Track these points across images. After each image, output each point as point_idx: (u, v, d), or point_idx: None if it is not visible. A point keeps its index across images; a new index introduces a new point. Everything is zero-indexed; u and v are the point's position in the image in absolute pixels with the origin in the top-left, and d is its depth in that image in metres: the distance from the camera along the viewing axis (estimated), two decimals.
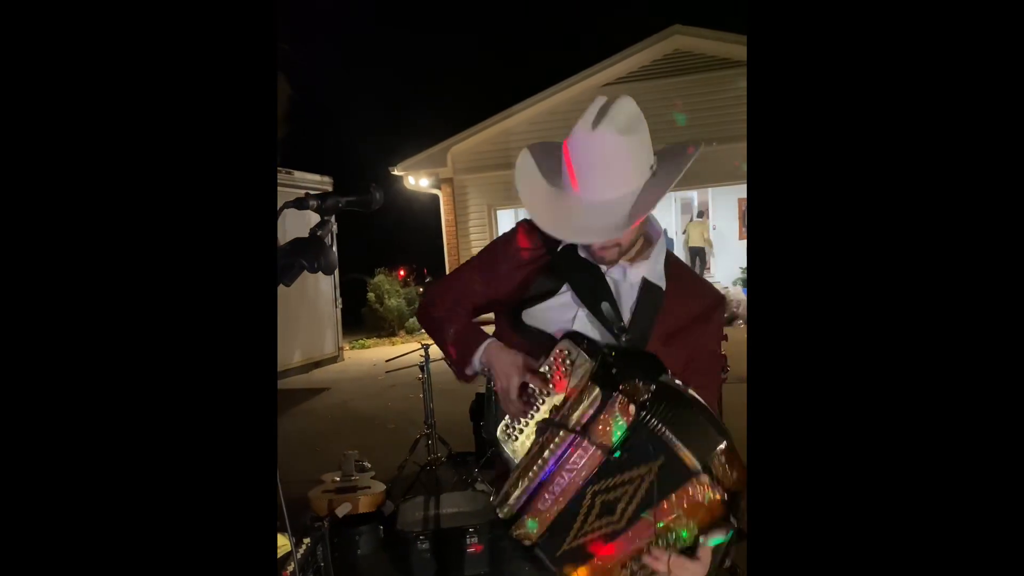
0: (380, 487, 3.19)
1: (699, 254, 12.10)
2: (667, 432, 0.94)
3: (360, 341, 11.23)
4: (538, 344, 1.16)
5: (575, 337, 1.11)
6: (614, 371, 1.00)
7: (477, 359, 1.20)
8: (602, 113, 1.09)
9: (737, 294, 10.75)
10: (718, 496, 0.93)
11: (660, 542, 0.95)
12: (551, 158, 1.18)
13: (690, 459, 0.93)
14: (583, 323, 1.18)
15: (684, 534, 0.94)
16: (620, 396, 0.96)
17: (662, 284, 1.20)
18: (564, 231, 1.14)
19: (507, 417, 1.16)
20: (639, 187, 1.11)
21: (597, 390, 0.99)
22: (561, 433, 1.02)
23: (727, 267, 11.90)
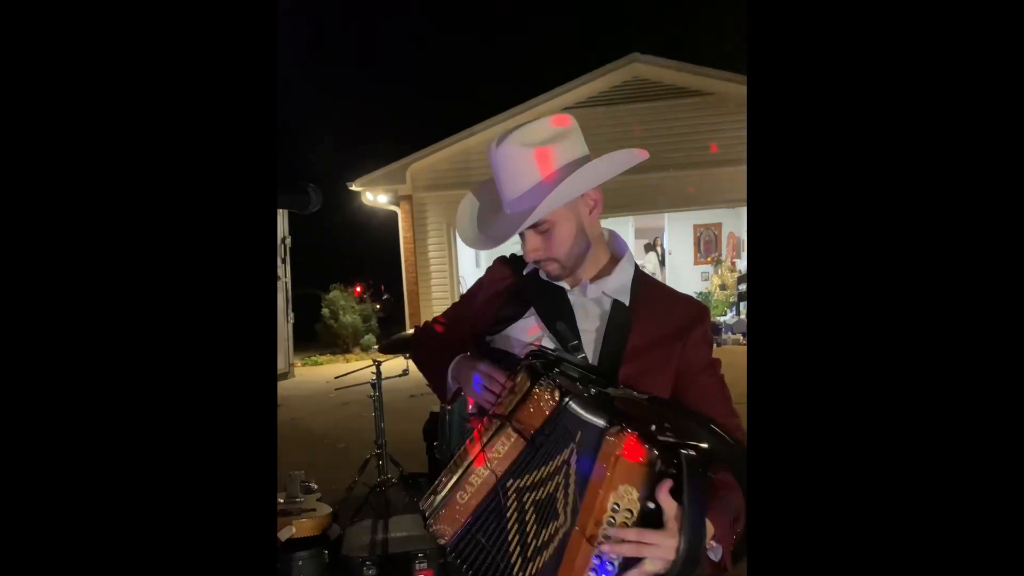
0: (326, 509, 3.09)
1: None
2: (580, 409, 0.93)
3: (312, 357, 10.99)
4: (505, 364, 1.16)
5: (540, 353, 1.10)
6: (556, 370, 1.00)
7: (450, 376, 1.21)
8: (512, 130, 1.12)
9: None
10: (635, 438, 0.87)
11: (609, 522, 0.88)
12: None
13: (595, 417, 0.91)
14: (548, 344, 1.18)
15: (630, 503, 0.87)
16: (546, 383, 0.96)
17: (624, 299, 1.18)
18: (469, 238, 1.22)
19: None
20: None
21: (527, 381, 0.99)
22: (491, 424, 1.02)
23: (681, 292, 12.10)
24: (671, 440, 0.89)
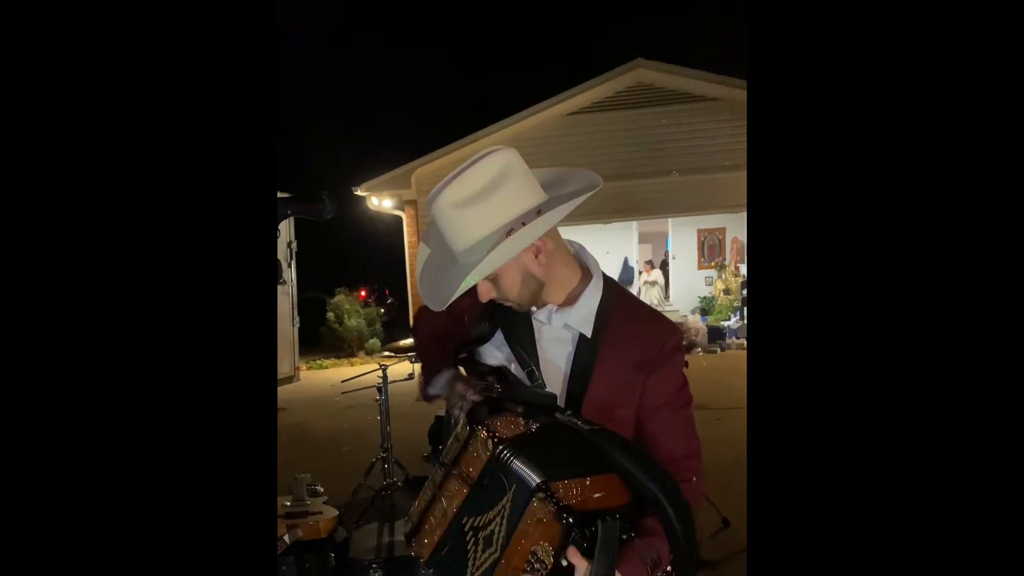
0: (332, 512, 3.10)
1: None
2: (515, 462, 0.97)
3: (317, 361, 11.01)
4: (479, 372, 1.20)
5: (500, 374, 1.15)
6: (488, 408, 1.06)
7: (437, 384, 1.26)
8: (443, 187, 1.08)
9: (696, 323, 10.93)
10: (552, 509, 0.92)
11: (527, 568, 0.95)
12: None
13: (526, 474, 0.96)
14: (517, 367, 1.19)
15: (544, 556, 0.93)
16: (481, 432, 1.02)
17: (586, 331, 1.16)
18: (421, 289, 1.20)
19: None
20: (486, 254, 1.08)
21: (467, 427, 1.05)
22: (440, 468, 1.10)
23: (686, 297, 12.09)
24: (593, 510, 0.93)
